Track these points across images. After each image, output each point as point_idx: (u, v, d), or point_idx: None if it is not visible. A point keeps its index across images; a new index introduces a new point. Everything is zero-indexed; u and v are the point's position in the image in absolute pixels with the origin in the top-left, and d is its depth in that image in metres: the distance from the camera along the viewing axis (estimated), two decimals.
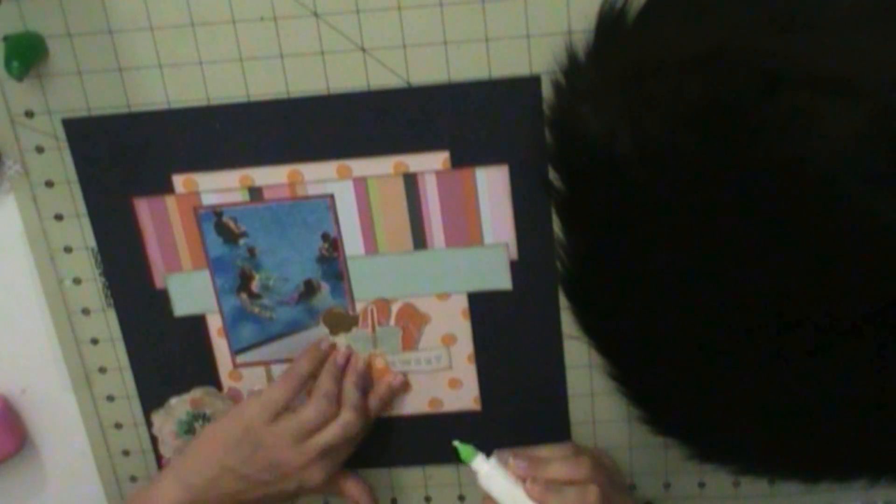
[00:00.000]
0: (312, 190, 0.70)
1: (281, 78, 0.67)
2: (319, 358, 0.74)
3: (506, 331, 0.74)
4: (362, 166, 0.70)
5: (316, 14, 0.66)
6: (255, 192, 0.71)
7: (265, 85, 0.68)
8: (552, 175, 0.64)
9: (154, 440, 0.78)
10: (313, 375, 0.73)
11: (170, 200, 0.71)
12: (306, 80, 0.67)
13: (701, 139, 0.53)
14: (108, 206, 0.71)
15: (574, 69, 0.62)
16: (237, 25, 0.66)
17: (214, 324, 0.75)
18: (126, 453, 0.80)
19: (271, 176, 0.70)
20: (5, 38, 0.66)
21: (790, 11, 0.53)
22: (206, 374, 0.77)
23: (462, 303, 0.73)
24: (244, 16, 0.66)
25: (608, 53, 0.61)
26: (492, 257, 0.71)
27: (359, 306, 0.74)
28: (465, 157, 0.69)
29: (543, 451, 0.70)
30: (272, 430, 0.70)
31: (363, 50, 0.67)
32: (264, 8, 0.66)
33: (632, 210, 0.57)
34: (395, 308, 0.74)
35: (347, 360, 0.74)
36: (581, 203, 0.62)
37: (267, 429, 0.70)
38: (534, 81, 0.66)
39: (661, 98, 0.54)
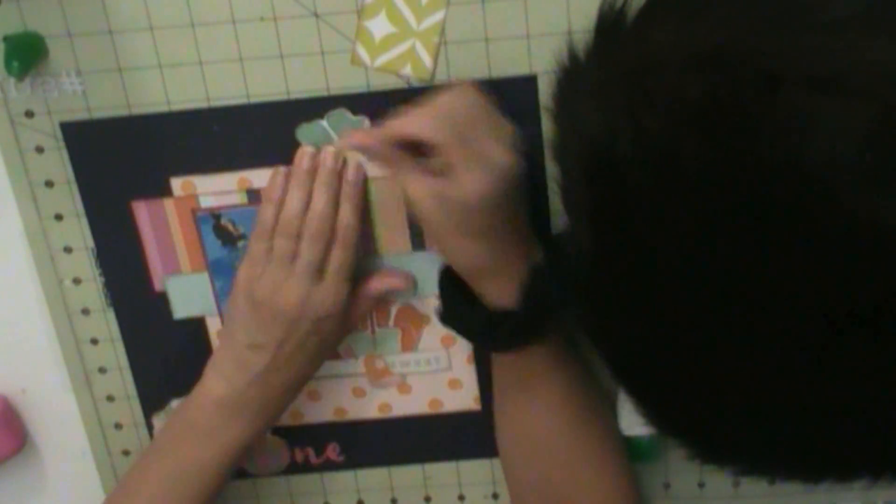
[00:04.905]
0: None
1: (281, 78, 0.67)
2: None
3: None
4: None
5: (316, 14, 0.66)
6: (254, 195, 0.71)
7: (265, 85, 0.68)
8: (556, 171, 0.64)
9: None
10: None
11: (168, 203, 0.71)
12: (306, 80, 0.67)
13: (701, 139, 0.53)
14: (106, 209, 0.71)
15: (574, 67, 0.62)
16: (237, 25, 0.66)
17: (214, 326, 0.75)
18: (126, 453, 0.79)
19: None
20: (5, 38, 0.66)
21: (791, 10, 0.53)
22: None
23: None
24: (244, 16, 0.66)
25: (608, 52, 0.61)
26: None
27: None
28: None
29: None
30: (261, 283, 0.67)
31: None
32: (264, 8, 0.66)
33: (633, 208, 0.57)
34: (394, 309, 0.74)
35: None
36: (582, 200, 0.62)
37: (258, 283, 0.67)
38: (530, 81, 0.66)
39: (661, 97, 0.54)
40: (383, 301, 0.73)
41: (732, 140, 0.52)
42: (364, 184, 0.68)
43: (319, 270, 0.67)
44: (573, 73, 0.62)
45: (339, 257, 0.68)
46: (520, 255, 0.65)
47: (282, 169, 0.68)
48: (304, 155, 0.68)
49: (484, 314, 0.66)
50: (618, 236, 0.59)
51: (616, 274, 0.60)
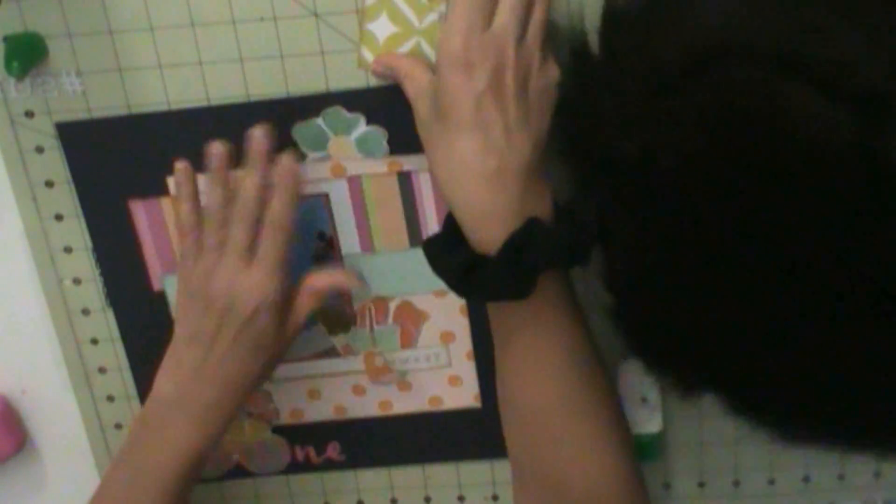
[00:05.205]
0: (307, 189, 0.71)
1: (281, 78, 0.68)
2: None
3: None
4: (357, 165, 0.70)
5: (316, 14, 0.66)
6: None
7: (265, 85, 0.68)
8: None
9: None
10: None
11: (165, 202, 0.71)
12: (306, 80, 0.68)
13: (744, 150, 0.53)
14: (103, 209, 0.71)
15: (589, 69, 0.62)
16: (237, 25, 0.67)
17: None
18: None
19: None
20: (5, 39, 0.66)
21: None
22: None
23: (460, 300, 0.73)
24: (244, 16, 0.66)
25: (617, 59, 0.60)
26: None
27: (356, 305, 0.74)
28: None
29: None
30: (195, 273, 0.67)
31: None
32: (264, 8, 0.66)
33: (671, 219, 0.57)
34: (392, 306, 0.74)
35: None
36: (616, 224, 0.61)
37: (191, 274, 0.67)
38: None
39: (699, 108, 0.54)
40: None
41: (776, 152, 0.52)
42: (298, 176, 0.67)
43: (249, 257, 0.66)
44: (586, 75, 0.61)
45: (267, 244, 0.66)
46: (517, 192, 0.61)
47: (181, 167, 0.68)
48: (216, 151, 0.67)
49: (462, 255, 0.62)
50: (647, 228, 0.58)
51: (653, 278, 0.59)
